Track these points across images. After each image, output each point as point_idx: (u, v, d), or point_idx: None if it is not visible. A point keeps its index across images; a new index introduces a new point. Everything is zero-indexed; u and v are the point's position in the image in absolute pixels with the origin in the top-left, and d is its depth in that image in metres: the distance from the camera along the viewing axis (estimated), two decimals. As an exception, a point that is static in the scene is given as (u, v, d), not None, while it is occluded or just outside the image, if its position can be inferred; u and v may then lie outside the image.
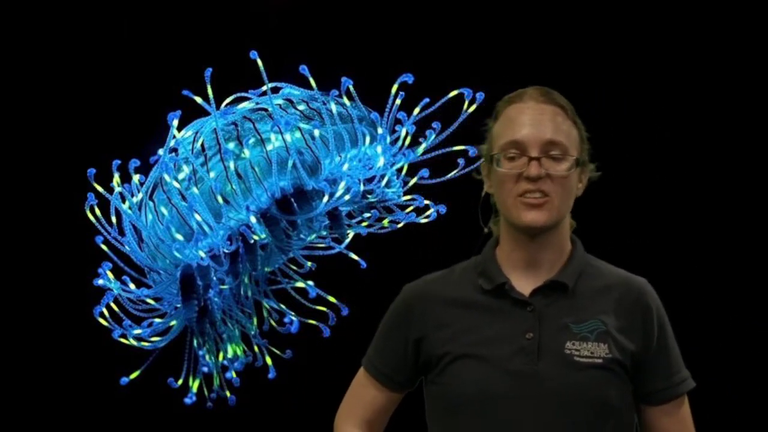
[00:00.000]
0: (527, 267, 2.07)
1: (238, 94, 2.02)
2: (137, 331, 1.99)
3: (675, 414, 2.09)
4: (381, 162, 2.01)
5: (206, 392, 2.06)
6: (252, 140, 1.92)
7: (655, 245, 3.59)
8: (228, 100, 2.01)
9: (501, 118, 2.07)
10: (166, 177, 1.88)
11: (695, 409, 2.12)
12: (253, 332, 2.08)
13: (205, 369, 2.06)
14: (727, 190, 3.64)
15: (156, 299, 2.01)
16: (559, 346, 2.01)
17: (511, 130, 2.03)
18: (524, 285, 2.06)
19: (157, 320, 2.01)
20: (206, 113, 1.92)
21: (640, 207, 3.63)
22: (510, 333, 2.02)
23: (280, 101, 1.99)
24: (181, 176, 1.91)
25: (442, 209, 2.10)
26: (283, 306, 2.07)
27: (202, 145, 1.94)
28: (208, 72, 1.87)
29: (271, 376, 2.08)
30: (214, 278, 1.99)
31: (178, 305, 1.99)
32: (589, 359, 2.00)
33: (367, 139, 1.99)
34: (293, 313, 2.06)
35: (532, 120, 2.03)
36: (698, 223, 3.66)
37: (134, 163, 1.93)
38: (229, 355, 2.06)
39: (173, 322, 2.01)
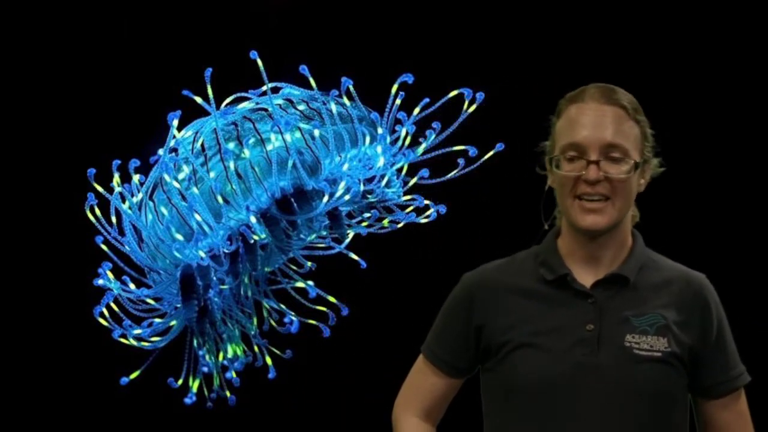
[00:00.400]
0: (588, 262, 2.09)
1: (238, 94, 2.02)
2: (137, 331, 1.98)
3: (733, 407, 2.12)
4: (381, 162, 2.01)
5: (206, 392, 2.06)
6: (252, 140, 1.92)
7: (714, 241, 3.58)
8: (228, 100, 2.01)
9: (563, 116, 2.09)
10: (166, 177, 1.88)
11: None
12: (253, 332, 2.07)
13: (205, 369, 2.05)
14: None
15: (156, 299, 2.01)
16: (620, 339, 2.04)
17: (572, 131, 2.05)
18: (585, 277, 2.09)
19: (157, 320, 2.01)
20: (206, 113, 1.92)
21: (699, 202, 3.61)
22: (571, 324, 2.05)
23: (280, 101, 1.99)
24: (181, 176, 1.91)
25: (442, 209, 2.10)
26: (283, 306, 2.07)
27: (202, 145, 1.94)
28: (208, 72, 1.87)
29: (271, 376, 2.08)
30: (214, 278, 1.99)
31: (178, 305, 1.99)
32: (649, 352, 2.03)
33: (367, 139, 1.99)
34: (293, 313, 2.06)
35: (592, 122, 2.04)
36: (759, 220, 3.65)
37: (134, 163, 1.93)
38: (229, 355, 2.06)
39: (173, 322, 2.01)
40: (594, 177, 2.01)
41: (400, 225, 2.10)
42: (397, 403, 2.24)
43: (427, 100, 2.01)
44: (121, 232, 1.94)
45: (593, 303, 2.06)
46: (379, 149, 2.01)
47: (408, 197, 2.09)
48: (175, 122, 1.87)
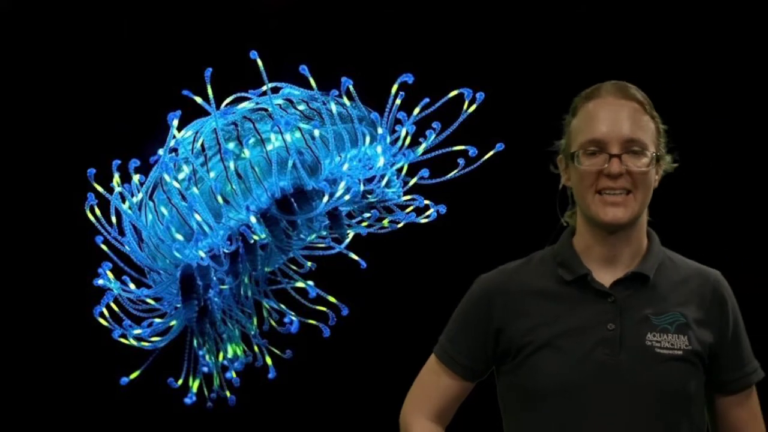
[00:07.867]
0: (606, 261, 2.10)
1: (238, 94, 2.02)
2: (137, 331, 1.98)
3: (746, 403, 2.14)
4: (381, 162, 2.01)
5: (206, 392, 2.06)
6: (252, 140, 1.92)
7: (725, 238, 3.57)
8: (228, 100, 2.01)
9: (579, 114, 2.10)
10: (166, 177, 1.88)
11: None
12: (253, 332, 2.07)
13: (205, 369, 2.05)
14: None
15: (156, 299, 2.01)
16: (641, 338, 2.05)
17: (591, 127, 2.06)
18: (604, 276, 2.09)
19: (157, 320, 2.01)
20: (206, 113, 1.92)
21: (710, 199, 3.60)
22: (591, 324, 2.06)
23: (280, 101, 1.99)
24: (181, 176, 1.91)
25: (442, 209, 2.10)
26: (283, 306, 2.07)
27: (202, 145, 1.94)
28: (208, 72, 1.87)
29: (271, 376, 2.08)
30: (214, 278, 1.99)
31: (178, 305, 1.99)
32: (670, 351, 2.04)
33: (367, 139, 1.99)
34: (293, 313, 2.06)
35: (612, 117, 2.05)
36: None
37: (134, 163, 1.93)
38: (229, 355, 2.06)
39: (173, 322, 2.01)
40: (617, 170, 2.02)
41: (400, 225, 2.10)
42: (406, 405, 2.21)
43: (427, 100, 2.01)
44: (121, 232, 1.94)
45: (613, 302, 2.06)
46: (379, 149, 2.01)
47: (408, 197, 2.09)
48: (175, 122, 1.87)
